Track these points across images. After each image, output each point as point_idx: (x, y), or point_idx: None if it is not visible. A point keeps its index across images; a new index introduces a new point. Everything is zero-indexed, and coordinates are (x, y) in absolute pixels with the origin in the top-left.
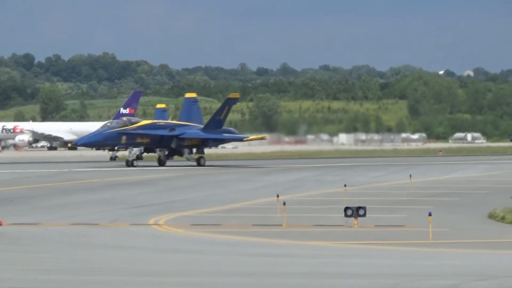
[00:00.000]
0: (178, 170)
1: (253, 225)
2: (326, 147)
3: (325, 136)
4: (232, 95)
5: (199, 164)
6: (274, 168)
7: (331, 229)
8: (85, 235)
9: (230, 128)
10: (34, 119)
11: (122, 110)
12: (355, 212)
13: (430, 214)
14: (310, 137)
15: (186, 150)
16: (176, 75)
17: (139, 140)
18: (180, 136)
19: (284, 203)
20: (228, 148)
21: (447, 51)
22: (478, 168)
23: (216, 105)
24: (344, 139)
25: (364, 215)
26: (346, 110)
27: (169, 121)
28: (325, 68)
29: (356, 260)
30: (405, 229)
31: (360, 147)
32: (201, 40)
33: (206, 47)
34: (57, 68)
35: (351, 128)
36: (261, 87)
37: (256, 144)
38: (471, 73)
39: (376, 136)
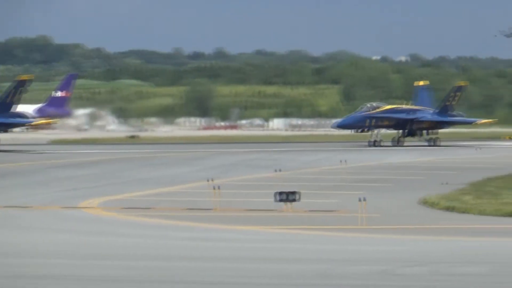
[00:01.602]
0: (112, 153)
1: (185, 209)
2: (259, 132)
3: (258, 121)
4: (24, 76)
5: None
6: (207, 152)
7: (264, 214)
8: (18, 217)
9: (22, 112)
10: None
11: (57, 93)
12: (288, 196)
13: (362, 199)
14: (243, 122)
15: None
16: (110, 58)
17: None
18: None
19: (217, 187)
20: (162, 131)
21: (382, 36)
22: (411, 154)
23: (150, 89)
24: (277, 124)
25: (296, 199)
26: (280, 94)
27: None
28: (260, 52)
29: (288, 245)
30: (337, 214)
31: (293, 132)
32: (136, 24)
33: (141, 30)
34: None
35: (284, 113)
36: (196, 71)
37: (190, 129)
38: (407, 59)
39: (309, 121)
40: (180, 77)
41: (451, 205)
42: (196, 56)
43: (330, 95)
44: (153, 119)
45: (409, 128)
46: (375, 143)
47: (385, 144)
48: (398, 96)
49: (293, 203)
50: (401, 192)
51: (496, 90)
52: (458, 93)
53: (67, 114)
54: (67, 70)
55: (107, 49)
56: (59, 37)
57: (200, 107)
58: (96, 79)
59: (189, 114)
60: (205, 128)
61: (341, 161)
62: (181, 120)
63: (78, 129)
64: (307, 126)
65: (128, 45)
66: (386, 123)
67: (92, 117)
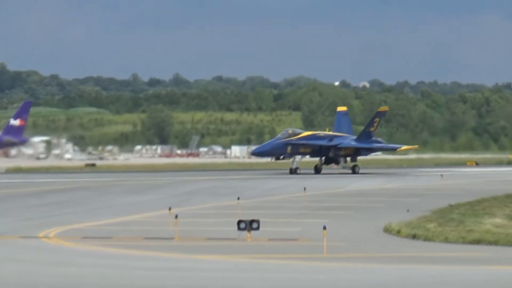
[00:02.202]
0: (71, 182)
1: (145, 238)
2: (219, 160)
3: (218, 148)
4: None
5: None
6: (166, 180)
7: (224, 243)
8: None
9: None
10: None
11: (12, 121)
12: (249, 225)
13: (324, 228)
14: (203, 149)
15: None
16: (67, 85)
17: None
18: None
19: (176, 216)
20: (121, 159)
21: (342, 61)
22: (373, 181)
23: (108, 116)
24: (237, 151)
25: (257, 228)
26: (240, 121)
27: None
28: (218, 79)
29: (249, 274)
30: (299, 243)
31: (253, 159)
32: (92, 50)
33: (98, 57)
34: None
35: (244, 140)
36: (153, 98)
37: (149, 156)
38: (367, 84)
39: None
40: (138, 104)
41: (415, 232)
42: (154, 82)
43: (290, 121)
44: (111, 147)
45: (328, 155)
46: (294, 171)
47: (306, 171)
48: (360, 122)
49: (255, 231)
50: (364, 220)
51: (458, 116)
52: (377, 119)
53: (24, 142)
54: (22, 97)
55: (63, 76)
56: (14, 64)
57: (158, 134)
58: (53, 106)
59: (147, 141)
60: (165, 156)
61: (304, 189)
62: (139, 147)
63: (35, 157)
64: None
65: (84, 72)
66: (305, 149)
67: (50, 145)
